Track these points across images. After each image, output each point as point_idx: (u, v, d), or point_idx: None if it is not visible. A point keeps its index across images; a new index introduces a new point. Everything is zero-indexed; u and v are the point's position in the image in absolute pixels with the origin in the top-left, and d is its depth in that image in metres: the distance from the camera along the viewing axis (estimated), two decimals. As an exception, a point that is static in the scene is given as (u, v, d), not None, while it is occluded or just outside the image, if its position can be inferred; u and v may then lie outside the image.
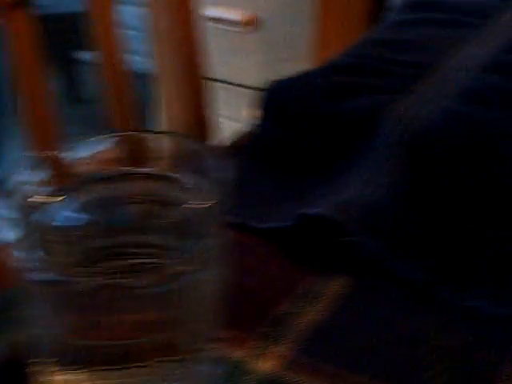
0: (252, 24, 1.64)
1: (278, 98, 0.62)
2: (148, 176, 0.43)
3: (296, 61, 1.62)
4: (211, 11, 1.64)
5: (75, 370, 0.36)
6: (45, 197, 0.40)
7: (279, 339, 0.42)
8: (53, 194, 0.41)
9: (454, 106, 0.56)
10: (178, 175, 0.42)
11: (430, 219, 0.50)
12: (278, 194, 0.56)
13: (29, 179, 0.40)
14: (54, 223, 0.41)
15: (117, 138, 0.43)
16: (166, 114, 0.94)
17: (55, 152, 0.42)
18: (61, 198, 0.42)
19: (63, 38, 2.29)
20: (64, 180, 0.42)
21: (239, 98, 1.73)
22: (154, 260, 0.38)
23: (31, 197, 0.39)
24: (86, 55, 2.49)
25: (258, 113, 0.63)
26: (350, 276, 0.48)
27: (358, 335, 0.43)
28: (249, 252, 0.50)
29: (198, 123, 0.93)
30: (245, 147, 0.62)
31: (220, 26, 1.65)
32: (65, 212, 0.42)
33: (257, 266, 0.49)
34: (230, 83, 1.72)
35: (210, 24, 1.62)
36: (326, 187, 0.55)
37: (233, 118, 1.70)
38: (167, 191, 0.42)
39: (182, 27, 0.87)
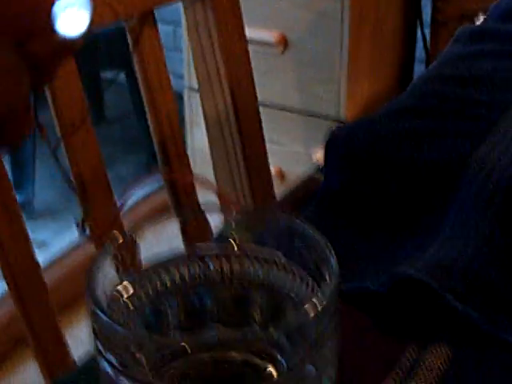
0: (282, 45, 1.60)
1: (345, 148, 0.58)
2: (223, 255, 0.40)
3: (328, 80, 1.60)
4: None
5: None
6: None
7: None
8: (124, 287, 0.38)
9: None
10: (261, 252, 0.39)
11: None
12: (360, 252, 0.53)
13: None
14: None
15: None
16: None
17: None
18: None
19: (92, 56, 2.26)
20: (133, 265, 0.39)
21: (271, 119, 1.70)
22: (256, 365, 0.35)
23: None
24: (113, 74, 2.47)
25: (324, 161, 0.60)
26: (452, 343, 0.44)
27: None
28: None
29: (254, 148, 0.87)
30: (314, 200, 0.59)
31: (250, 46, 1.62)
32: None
33: (351, 336, 0.45)
34: (262, 104, 1.69)
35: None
36: (412, 244, 0.52)
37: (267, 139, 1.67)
38: (261, 273, 0.39)
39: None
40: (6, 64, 0.23)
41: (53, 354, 0.70)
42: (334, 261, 0.33)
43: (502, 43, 0.75)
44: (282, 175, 1.76)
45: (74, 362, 0.71)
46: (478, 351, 0.44)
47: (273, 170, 1.74)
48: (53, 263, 1.67)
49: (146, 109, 0.73)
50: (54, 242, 1.85)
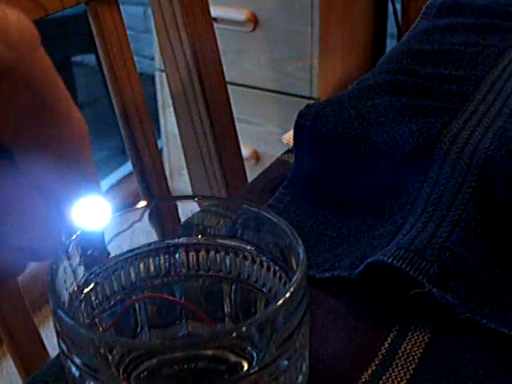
0: (253, 23, 1.58)
1: (313, 128, 0.57)
2: (193, 246, 0.38)
3: (299, 58, 1.58)
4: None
5: None
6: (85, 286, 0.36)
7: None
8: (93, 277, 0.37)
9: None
10: (231, 242, 0.38)
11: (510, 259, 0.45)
12: (331, 235, 0.51)
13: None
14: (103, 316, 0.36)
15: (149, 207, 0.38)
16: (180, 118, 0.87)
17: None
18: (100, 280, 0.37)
19: (62, 40, 2.24)
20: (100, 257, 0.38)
21: (245, 99, 1.68)
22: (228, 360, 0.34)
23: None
24: (84, 58, 2.45)
25: (293, 143, 0.58)
26: (429, 328, 0.44)
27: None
28: (312, 306, 0.45)
29: (223, 127, 0.85)
30: (285, 183, 0.57)
31: (220, 25, 1.60)
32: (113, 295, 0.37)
33: (325, 324, 0.44)
34: (235, 84, 1.67)
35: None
36: (385, 226, 0.51)
37: (241, 119, 1.65)
38: (231, 265, 0.38)
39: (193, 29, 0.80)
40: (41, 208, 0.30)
41: (28, 350, 0.69)
42: (301, 250, 0.32)
43: (470, 16, 0.74)
44: (257, 156, 1.74)
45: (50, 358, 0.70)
46: (455, 335, 0.43)
47: (247, 151, 1.73)
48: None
49: (111, 92, 0.71)
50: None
